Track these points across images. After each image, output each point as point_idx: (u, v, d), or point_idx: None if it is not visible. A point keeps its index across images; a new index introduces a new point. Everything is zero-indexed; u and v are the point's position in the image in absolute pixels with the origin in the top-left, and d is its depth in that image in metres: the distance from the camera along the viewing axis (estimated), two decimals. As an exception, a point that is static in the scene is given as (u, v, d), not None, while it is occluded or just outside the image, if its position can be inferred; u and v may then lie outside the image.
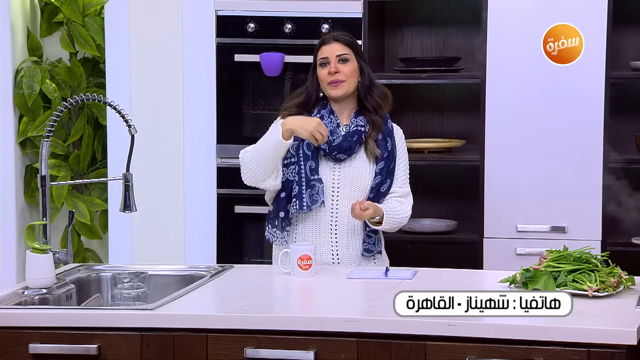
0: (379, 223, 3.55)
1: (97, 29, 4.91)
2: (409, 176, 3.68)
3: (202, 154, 4.72)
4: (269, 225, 3.61)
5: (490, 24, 4.38)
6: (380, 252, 3.63)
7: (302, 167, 3.53)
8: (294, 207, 3.54)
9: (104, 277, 3.47)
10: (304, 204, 3.53)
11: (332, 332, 2.85)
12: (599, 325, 2.77)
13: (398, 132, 3.65)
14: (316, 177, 3.55)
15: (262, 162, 3.49)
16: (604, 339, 2.71)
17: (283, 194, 3.56)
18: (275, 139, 3.47)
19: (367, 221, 3.55)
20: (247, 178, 3.55)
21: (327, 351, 2.84)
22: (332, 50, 3.56)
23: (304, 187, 3.53)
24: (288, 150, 3.55)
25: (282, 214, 3.56)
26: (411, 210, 3.65)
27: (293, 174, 3.55)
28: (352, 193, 3.56)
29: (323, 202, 3.55)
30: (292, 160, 3.55)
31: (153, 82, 4.73)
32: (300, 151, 3.54)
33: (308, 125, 3.44)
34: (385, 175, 3.56)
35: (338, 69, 3.54)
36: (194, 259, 4.68)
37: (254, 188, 3.61)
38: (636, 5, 4.61)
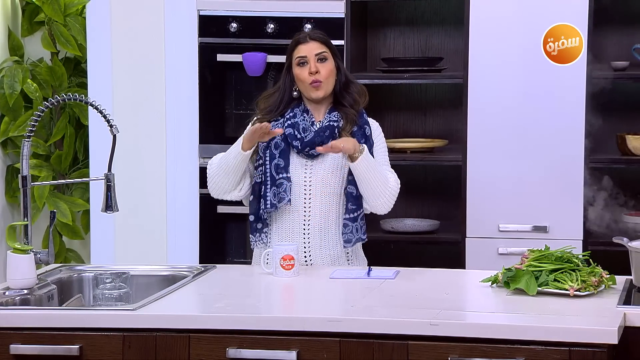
0: (354, 159, 3.45)
1: (78, 28, 4.90)
2: (389, 164, 3.63)
3: (184, 154, 4.71)
4: (249, 230, 3.61)
5: (472, 24, 4.39)
6: (361, 239, 3.56)
7: (268, 166, 3.53)
8: (261, 208, 3.54)
9: (86, 278, 3.45)
10: (268, 202, 3.52)
11: (315, 332, 2.85)
12: (580, 324, 2.78)
13: (374, 123, 3.65)
14: (284, 175, 3.54)
15: (227, 174, 3.52)
16: (586, 338, 2.72)
17: (251, 197, 3.57)
18: (236, 151, 3.50)
19: (347, 158, 3.48)
20: (213, 190, 3.59)
21: (310, 351, 2.84)
22: (310, 49, 3.54)
23: (268, 187, 3.53)
24: (257, 153, 3.55)
25: (252, 217, 3.57)
26: (397, 185, 3.55)
27: (260, 175, 3.55)
28: (324, 191, 3.55)
29: (289, 200, 3.53)
30: (260, 162, 3.55)
31: (135, 82, 4.71)
32: (268, 151, 3.54)
33: (250, 133, 3.47)
34: None
35: (318, 68, 3.53)
36: (176, 259, 4.67)
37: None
38: (617, 5, 4.64)
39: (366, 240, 3.61)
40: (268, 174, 3.53)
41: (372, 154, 3.56)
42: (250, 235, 3.59)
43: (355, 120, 3.57)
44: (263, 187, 3.54)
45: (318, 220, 3.56)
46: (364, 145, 3.51)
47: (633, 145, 4.45)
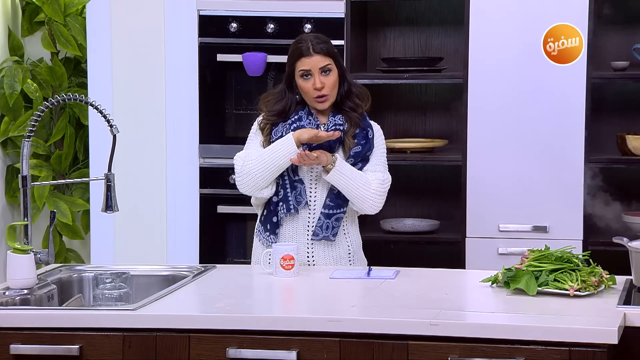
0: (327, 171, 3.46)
1: (78, 28, 4.90)
2: (386, 166, 3.63)
3: (184, 154, 4.71)
4: (262, 228, 3.59)
5: (472, 24, 4.39)
6: (327, 238, 3.54)
7: (285, 170, 3.53)
8: (282, 211, 3.53)
9: (86, 278, 3.45)
10: (291, 206, 3.52)
11: (315, 332, 2.85)
12: (581, 324, 2.78)
13: (375, 126, 3.65)
14: (297, 178, 3.54)
15: (268, 172, 3.48)
16: (586, 338, 2.72)
17: (275, 198, 3.55)
18: (290, 149, 3.45)
19: (322, 170, 3.48)
20: (247, 186, 3.52)
21: (310, 351, 2.85)
22: (314, 63, 3.51)
23: (288, 190, 3.53)
24: None
25: (275, 219, 3.55)
26: (381, 185, 3.52)
27: (277, 177, 3.54)
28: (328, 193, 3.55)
29: (307, 202, 3.54)
30: None
31: (135, 81, 4.71)
32: None
33: (313, 137, 3.45)
34: (359, 159, 3.54)
35: (323, 83, 3.51)
36: (176, 259, 4.67)
37: (237, 188, 3.60)
38: (617, 5, 4.64)
39: (334, 240, 3.56)
40: (286, 177, 3.53)
41: (368, 157, 3.56)
42: (265, 232, 3.56)
43: (358, 123, 3.57)
44: (283, 190, 3.53)
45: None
46: (337, 155, 3.50)
47: (633, 145, 4.45)
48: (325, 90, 3.51)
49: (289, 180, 3.53)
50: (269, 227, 3.56)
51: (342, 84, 3.57)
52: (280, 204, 3.54)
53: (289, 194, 3.52)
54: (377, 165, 3.58)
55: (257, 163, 3.49)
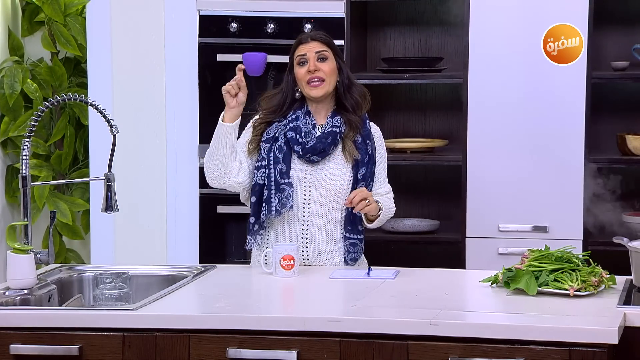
0: (372, 221, 3.56)
1: (78, 28, 4.90)
2: (386, 173, 3.68)
3: (184, 154, 4.71)
4: (247, 231, 3.59)
5: (472, 24, 4.39)
6: (356, 259, 3.60)
7: (272, 170, 3.49)
8: (264, 212, 3.51)
9: (86, 278, 3.46)
10: (273, 208, 3.49)
11: (315, 332, 2.85)
12: (581, 324, 2.78)
13: (376, 131, 3.63)
14: (286, 180, 3.50)
15: (215, 155, 3.46)
16: (586, 338, 2.72)
17: (254, 199, 3.53)
18: (218, 125, 3.46)
19: (363, 217, 3.53)
20: (209, 178, 3.52)
21: (310, 351, 2.85)
22: (311, 48, 3.52)
23: (273, 191, 3.50)
24: (259, 153, 3.53)
25: (252, 219, 3.54)
26: (393, 203, 3.68)
27: (263, 178, 3.51)
28: (323, 197, 3.53)
29: (292, 206, 3.50)
30: (263, 163, 3.51)
31: (135, 82, 4.71)
32: (271, 154, 3.51)
33: (226, 101, 3.46)
34: (368, 180, 3.55)
35: (317, 67, 3.51)
36: (176, 259, 4.67)
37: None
38: (617, 5, 4.64)
39: (354, 265, 3.62)
40: (272, 178, 3.50)
41: (374, 170, 3.57)
42: (248, 237, 3.57)
43: (358, 128, 3.56)
44: (267, 191, 3.50)
45: (317, 225, 3.54)
46: (380, 203, 3.54)
47: (633, 145, 4.46)
48: (320, 74, 3.50)
49: (275, 181, 3.50)
50: (250, 227, 3.54)
51: (341, 77, 3.55)
52: (264, 205, 3.52)
53: (273, 196, 3.51)
54: (384, 185, 3.64)
55: (208, 151, 3.51)
